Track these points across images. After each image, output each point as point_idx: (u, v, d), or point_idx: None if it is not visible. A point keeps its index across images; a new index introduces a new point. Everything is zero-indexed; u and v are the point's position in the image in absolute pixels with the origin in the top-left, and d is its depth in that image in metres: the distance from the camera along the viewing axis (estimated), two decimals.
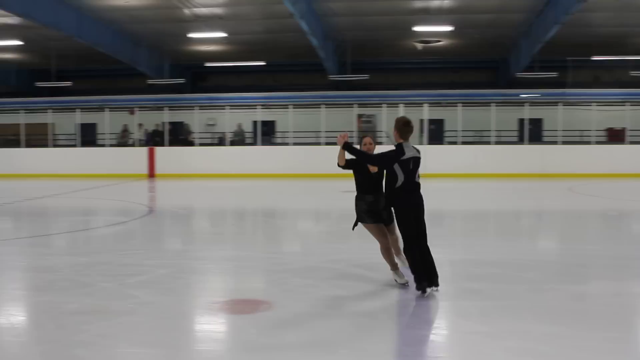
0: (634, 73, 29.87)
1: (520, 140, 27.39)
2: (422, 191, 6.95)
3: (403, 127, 6.84)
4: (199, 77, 38.08)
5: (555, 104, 27.15)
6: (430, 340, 5.75)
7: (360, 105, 28.54)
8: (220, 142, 28.76)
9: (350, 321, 6.07)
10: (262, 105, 28.99)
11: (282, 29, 27.27)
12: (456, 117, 26.59)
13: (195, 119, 29.04)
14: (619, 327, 5.97)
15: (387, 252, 7.32)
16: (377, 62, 34.77)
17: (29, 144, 28.86)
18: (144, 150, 27.16)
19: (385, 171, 6.99)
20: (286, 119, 28.26)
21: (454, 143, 26.92)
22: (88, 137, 29.98)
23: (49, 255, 9.97)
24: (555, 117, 26.85)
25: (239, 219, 15.68)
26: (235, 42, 30.13)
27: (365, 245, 9.55)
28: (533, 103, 27.68)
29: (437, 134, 28.19)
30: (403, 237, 6.81)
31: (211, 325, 6.21)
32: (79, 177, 25.78)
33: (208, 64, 34.65)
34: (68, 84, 31.60)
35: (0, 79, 35.53)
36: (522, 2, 24.29)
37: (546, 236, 12.49)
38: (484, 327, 5.88)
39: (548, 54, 28.39)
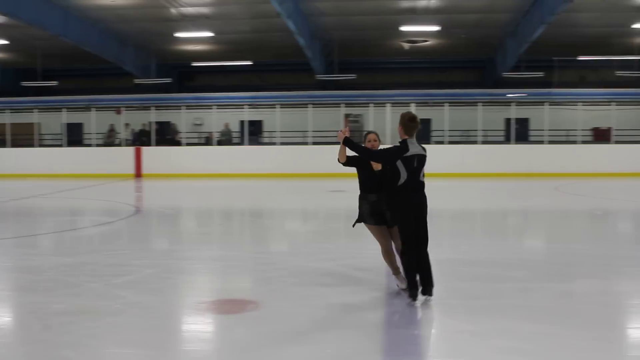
0: (619, 73, 30.04)
1: (507, 140, 27.49)
2: None
3: (408, 123, 6.54)
4: (185, 76, 38.00)
5: (541, 103, 27.29)
6: (417, 339, 5.76)
7: (348, 105, 28.56)
8: (207, 141, 28.71)
9: (337, 320, 6.07)
10: (249, 105, 28.95)
11: (269, 28, 27.24)
12: (443, 117, 26.65)
13: (182, 119, 28.97)
14: (605, 325, 5.99)
15: (388, 255, 6.98)
16: (364, 62, 34.80)
17: (15, 144, 28.67)
18: (130, 150, 27.06)
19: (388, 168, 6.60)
20: (273, 118, 28.24)
21: (441, 142, 26.97)
22: (74, 136, 29.82)
23: (35, 255, 9.90)
24: (542, 116, 26.97)
25: (226, 219, 15.65)
26: (222, 41, 30.09)
27: (352, 244, 9.57)
28: (519, 103, 27.81)
29: (424, 133, 28.19)
30: (401, 239, 6.52)
31: (198, 325, 6.20)
32: (65, 177, 25.65)
33: (195, 64, 34.59)
34: (54, 83, 31.47)
35: None
36: (509, 2, 24.39)
37: (532, 235, 12.54)
38: (471, 326, 5.89)
39: (534, 53, 28.53)
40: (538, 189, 21.02)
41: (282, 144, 27.67)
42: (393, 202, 6.55)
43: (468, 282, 7.50)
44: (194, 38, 29.24)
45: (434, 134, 28.71)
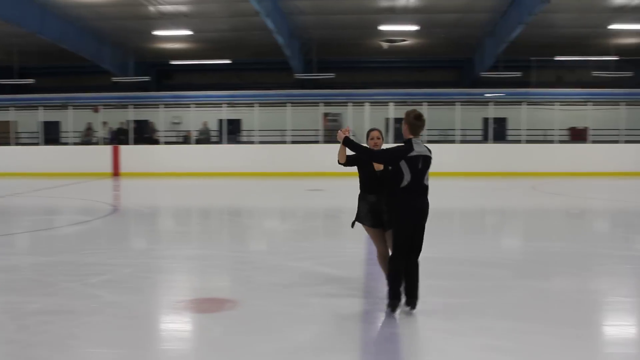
0: (596, 73, 30.28)
1: (485, 139, 27.64)
2: None
3: (414, 121, 6.10)
4: (164, 75, 37.80)
5: (519, 103, 27.48)
6: (395, 338, 5.77)
7: (326, 103, 28.56)
8: (186, 140, 28.60)
9: (314, 319, 6.07)
10: (228, 103, 28.86)
11: (248, 27, 27.17)
12: None
13: (161, 117, 28.82)
14: (582, 323, 6.05)
15: (384, 260, 6.51)
16: (343, 61, 34.80)
17: None
18: (108, 149, 26.88)
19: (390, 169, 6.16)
20: (252, 117, 28.17)
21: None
22: (51, 135, 29.57)
23: (11, 254, 9.81)
24: (519, 116, 27.17)
25: (205, 218, 15.60)
26: (200, 40, 29.98)
27: (330, 243, 9.57)
28: (497, 102, 27.97)
29: (402, 132, 28.28)
30: (393, 243, 6.08)
31: (176, 325, 6.17)
32: (42, 176, 25.42)
33: (173, 62, 34.45)
34: (31, 81, 31.17)
35: None
36: (487, 2, 24.51)
37: (510, 234, 12.63)
38: (449, 324, 5.91)
39: (512, 53, 28.70)
40: (515, 188, 21.17)
41: (261, 142, 27.61)
42: (392, 203, 6.11)
43: (446, 280, 7.53)
44: (172, 36, 29.11)
45: None
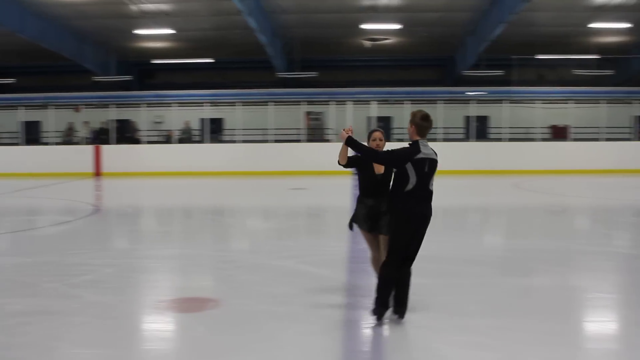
0: (576, 72, 30.50)
1: (467, 138, 27.74)
2: None
3: (422, 122, 5.77)
4: (146, 74, 37.60)
5: (500, 101, 27.62)
6: (376, 336, 5.78)
7: (309, 102, 28.55)
8: (168, 139, 28.50)
9: (297, 318, 6.08)
10: (210, 102, 28.80)
11: (230, 25, 27.11)
12: (403, 115, 26.77)
13: (143, 117, 28.70)
14: (563, 319, 6.10)
15: (377, 264, 6.24)
16: (325, 60, 34.79)
17: None
18: (89, 149, 26.72)
19: (394, 172, 5.92)
20: (234, 116, 28.12)
21: (401, 140, 27.08)
22: (32, 135, 29.36)
23: None
24: (501, 114, 27.31)
25: (187, 217, 15.56)
26: (182, 39, 29.87)
27: (313, 242, 9.58)
28: (479, 101, 28.10)
29: (384, 131, 28.35)
30: (389, 249, 5.79)
31: (158, 324, 6.16)
32: (23, 176, 25.24)
33: (155, 61, 34.28)
34: (11, 80, 30.95)
35: None
36: (468, 1, 24.60)
37: (492, 231, 12.70)
38: (430, 321, 5.94)
39: (493, 52, 28.82)
40: (497, 185, 21.28)
41: (243, 141, 27.54)
42: (394, 207, 5.81)
43: (428, 278, 7.54)
44: (154, 35, 28.98)
45: (394, 131, 28.83)
